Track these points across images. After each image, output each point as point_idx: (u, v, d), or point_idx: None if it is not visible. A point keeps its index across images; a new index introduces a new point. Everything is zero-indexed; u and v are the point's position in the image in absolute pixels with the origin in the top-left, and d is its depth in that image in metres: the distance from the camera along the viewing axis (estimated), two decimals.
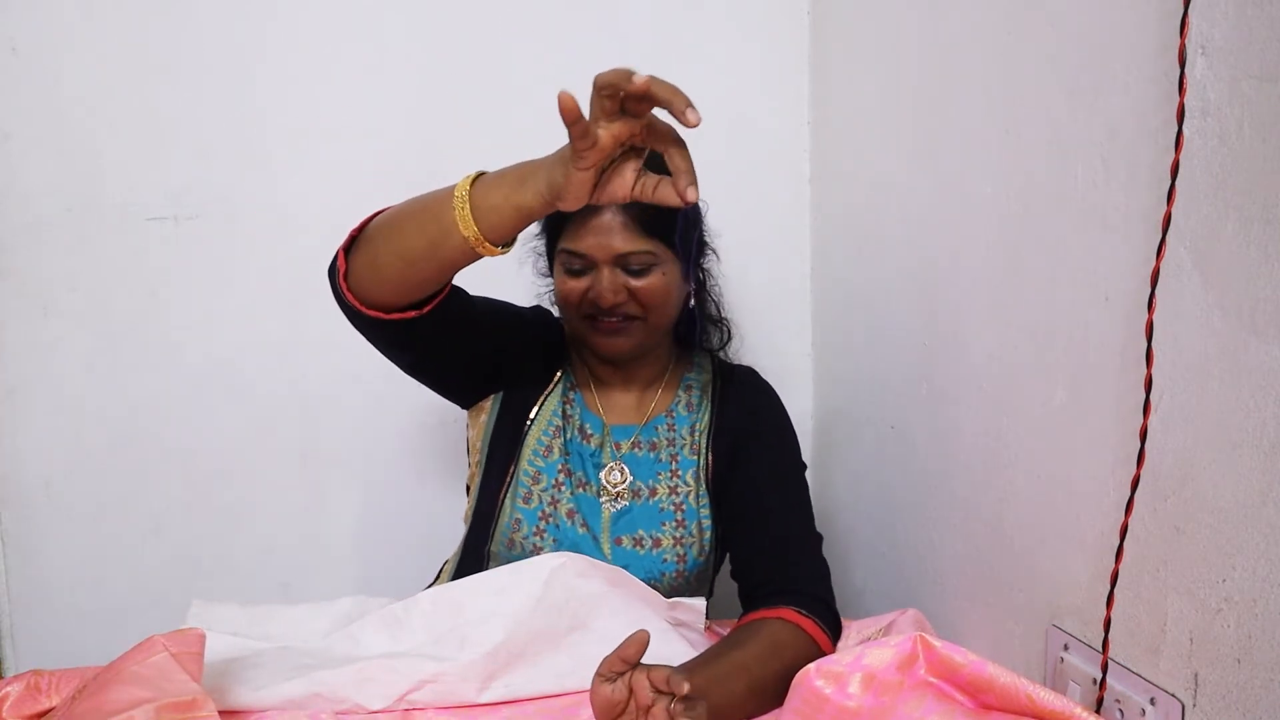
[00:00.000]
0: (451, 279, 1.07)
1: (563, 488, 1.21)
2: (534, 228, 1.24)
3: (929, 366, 1.25)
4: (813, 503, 1.23)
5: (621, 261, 1.16)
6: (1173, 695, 0.83)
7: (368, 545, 1.56)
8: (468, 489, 1.30)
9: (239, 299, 1.50)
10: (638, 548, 1.20)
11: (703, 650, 1.07)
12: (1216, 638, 0.79)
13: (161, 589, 1.51)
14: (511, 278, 1.30)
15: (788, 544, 1.18)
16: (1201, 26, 0.77)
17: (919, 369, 1.27)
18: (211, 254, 1.49)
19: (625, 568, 1.14)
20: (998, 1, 1.06)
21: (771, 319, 1.63)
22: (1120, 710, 0.88)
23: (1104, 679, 0.90)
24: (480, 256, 0.98)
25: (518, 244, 1.02)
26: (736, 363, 1.36)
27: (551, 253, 1.22)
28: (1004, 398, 1.08)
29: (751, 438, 1.24)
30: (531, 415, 1.24)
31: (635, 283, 1.17)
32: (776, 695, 1.02)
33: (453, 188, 0.95)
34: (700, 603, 1.14)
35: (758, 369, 1.32)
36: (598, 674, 0.87)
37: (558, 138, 1.21)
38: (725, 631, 1.15)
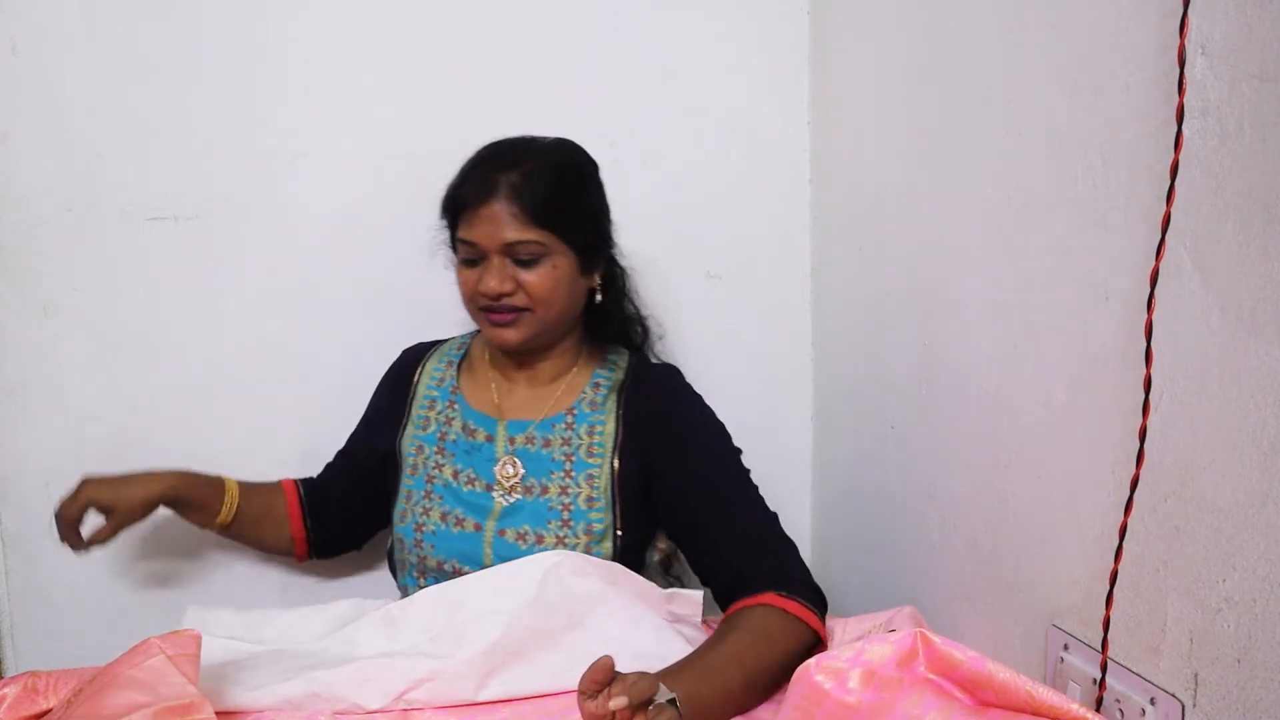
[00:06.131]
0: (302, 530, 1.38)
1: (432, 496, 1.23)
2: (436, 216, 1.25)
3: (929, 366, 1.25)
4: (812, 501, 1.22)
5: (510, 251, 1.15)
6: (1173, 695, 0.83)
7: (366, 547, 1.55)
8: None
9: (239, 299, 1.50)
10: (520, 542, 1.19)
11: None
12: (1216, 638, 0.79)
13: (161, 590, 1.51)
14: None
15: (747, 535, 1.17)
16: (1201, 26, 0.76)
17: (919, 369, 1.27)
18: (211, 254, 1.48)
19: (505, 560, 1.13)
20: (998, 2, 1.06)
21: (771, 319, 1.63)
22: (1120, 710, 0.88)
23: (1104, 679, 0.90)
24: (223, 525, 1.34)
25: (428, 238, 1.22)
26: (662, 361, 1.34)
27: (454, 242, 1.23)
28: (1004, 398, 1.08)
29: (670, 446, 1.22)
30: (397, 445, 1.30)
31: (523, 274, 1.15)
32: (771, 684, 1.03)
33: None
34: (697, 594, 1.14)
35: (757, 368, 1.31)
36: (579, 691, 0.89)
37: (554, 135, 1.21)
38: None
